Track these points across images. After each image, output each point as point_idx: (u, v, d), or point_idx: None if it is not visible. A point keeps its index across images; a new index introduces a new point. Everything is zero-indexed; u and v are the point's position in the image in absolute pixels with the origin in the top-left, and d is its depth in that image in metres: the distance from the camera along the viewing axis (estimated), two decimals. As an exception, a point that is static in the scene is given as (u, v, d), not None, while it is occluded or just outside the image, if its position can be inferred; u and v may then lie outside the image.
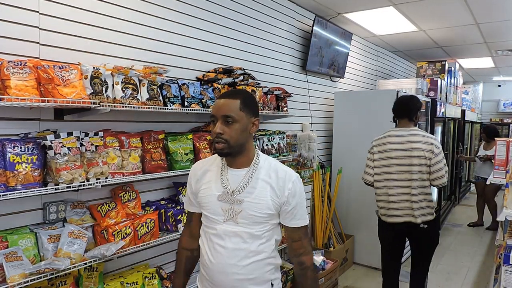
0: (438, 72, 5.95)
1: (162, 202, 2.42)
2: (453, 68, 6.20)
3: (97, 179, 1.86)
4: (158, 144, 2.25)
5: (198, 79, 2.69)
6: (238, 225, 1.42)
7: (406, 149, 2.66)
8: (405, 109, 2.75)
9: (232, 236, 1.42)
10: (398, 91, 3.87)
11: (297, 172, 3.73)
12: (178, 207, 2.35)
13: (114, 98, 1.95)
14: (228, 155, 1.41)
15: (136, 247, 2.08)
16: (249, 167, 1.45)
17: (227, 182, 1.44)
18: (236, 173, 1.45)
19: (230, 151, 1.39)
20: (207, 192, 1.47)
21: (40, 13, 1.86)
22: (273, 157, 3.05)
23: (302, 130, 4.01)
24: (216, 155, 1.49)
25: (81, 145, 1.82)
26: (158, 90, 2.20)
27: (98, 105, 1.81)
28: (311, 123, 4.17)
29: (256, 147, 1.45)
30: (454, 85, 6.40)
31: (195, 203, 1.56)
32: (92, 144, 1.87)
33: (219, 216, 1.44)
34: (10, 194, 1.56)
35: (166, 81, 2.30)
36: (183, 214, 2.30)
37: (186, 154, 2.37)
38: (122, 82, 1.98)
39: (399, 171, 2.68)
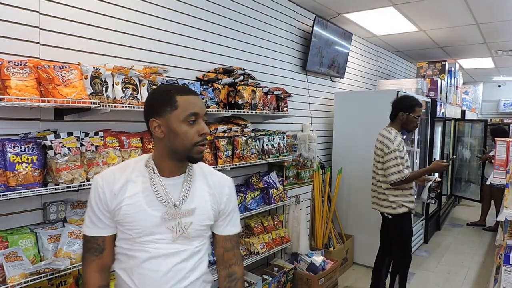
0: (438, 72, 5.95)
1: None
2: (453, 68, 6.20)
3: (97, 179, 1.85)
4: (158, 144, 2.24)
5: (198, 79, 2.69)
6: (188, 243, 1.23)
7: (374, 146, 3.01)
8: (391, 109, 3.01)
9: (167, 257, 1.21)
10: (398, 91, 3.87)
11: (297, 172, 3.74)
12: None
13: (114, 98, 1.95)
14: None
15: (136, 247, 2.07)
16: (185, 173, 1.26)
17: (165, 195, 1.21)
18: (172, 182, 1.23)
19: None
20: (135, 208, 1.19)
21: (40, 13, 1.86)
22: (273, 157, 3.09)
23: (302, 130, 4.01)
24: (130, 161, 1.28)
25: (81, 145, 1.82)
26: (158, 90, 2.20)
27: (98, 105, 1.82)
28: (311, 123, 4.17)
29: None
30: (454, 85, 6.40)
31: (109, 224, 1.23)
32: (92, 144, 1.87)
33: (158, 235, 1.20)
34: (10, 194, 1.56)
35: (166, 81, 2.29)
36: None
37: (186, 154, 2.37)
38: (122, 82, 1.99)
39: (373, 164, 3.07)
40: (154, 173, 1.22)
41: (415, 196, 3.00)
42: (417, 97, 4.08)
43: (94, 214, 1.23)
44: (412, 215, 3.00)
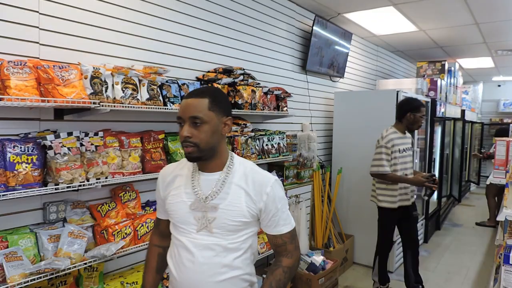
0: (438, 72, 5.95)
1: (162, 202, 2.42)
2: (453, 68, 6.20)
3: (97, 179, 1.86)
4: (158, 144, 2.25)
5: (198, 79, 2.69)
6: (212, 236, 1.29)
7: None
8: (396, 110, 3.25)
9: (203, 249, 1.29)
10: (398, 91, 3.88)
11: (297, 172, 3.74)
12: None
13: (114, 98, 1.95)
14: (199, 159, 1.30)
15: (136, 247, 2.08)
16: (222, 170, 1.34)
17: (198, 188, 1.32)
18: (209, 178, 1.33)
19: (200, 155, 1.28)
20: (176, 199, 1.35)
21: (40, 13, 1.86)
22: (273, 157, 3.09)
23: (302, 130, 4.01)
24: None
25: (81, 145, 1.82)
26: (158, 90, 2.20)
27: (98, 105, 1.82)
28: (311, 123, 4.17)
29: (229, 150, 1.42)
30: (454, 85, 6.40)
31: (162, 211, 1.46)
32: (92, 144, 1.87)
33: (190, 225, 1.32)
34: (10, 194, 1.56)
35: (166, 81, 2.30)
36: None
37: (186, 154, 2.37)
38: (122, 82, 1.99)
39: None
40: (196, 169, 1.36)
41: (400, 197, 3.17)
42: (416, 97, 4.17)
43: (157, 200, 1.49)
44: (395, 211, 3.18)
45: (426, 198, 3.43)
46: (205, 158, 1.30)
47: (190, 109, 1.26)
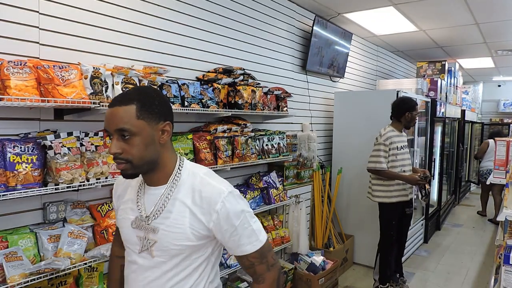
0: (438, 72, 5.95)
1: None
2: (453, 68, 6.20)
3: (97, 179, 1.86)
4: (158, 144, 2.24)
5: (198, 79, 2.69)
6: (153, 260, 1.13)
7: None
8: (391, 109, 3.35)
9: (147, 269, 1.14)
10: (398, 91, 3.88)
11: (297, 172, 3.74)
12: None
13: (114, 98, 1.95)
14: (135, 176, 1.11)
15: (136, 247, 2.07)
16: (168, 184, 1.13)
17: (142, 205, 1.15)
18: (153, 192, 1.15)
19: (135, 172, 1.09)
20: (123, 214, 1.21)
21: (40, 13, 1.86)
22: (273, 157, 3.09)
23: (302, 130, 4.01)
24: None
25: (81, 145, 1.82)
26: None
27: (98, 105, 1.82)
28: (311, 123, 4.17)
29: (180, 157, 1.20)
30: (454, 85, 6.40)
31: None
32: (92, 144, 1.87)
33: (133, 245, 1.17)
34: (10, 194, 1.56)
35: (166, 81, 2.30)
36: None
37: (186, 154, 2.37)
38: (122, 82, 1.99)
39: None
40: (143, 181, 1.19)
41: (398, 193, 3.25)
42: (416, 97, 4.21)
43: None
44: (394, 205, 3.25)
45: (423, 201, 3.50)
46: (145, 173, 1.12)
47: (115, 120, 1.03)
